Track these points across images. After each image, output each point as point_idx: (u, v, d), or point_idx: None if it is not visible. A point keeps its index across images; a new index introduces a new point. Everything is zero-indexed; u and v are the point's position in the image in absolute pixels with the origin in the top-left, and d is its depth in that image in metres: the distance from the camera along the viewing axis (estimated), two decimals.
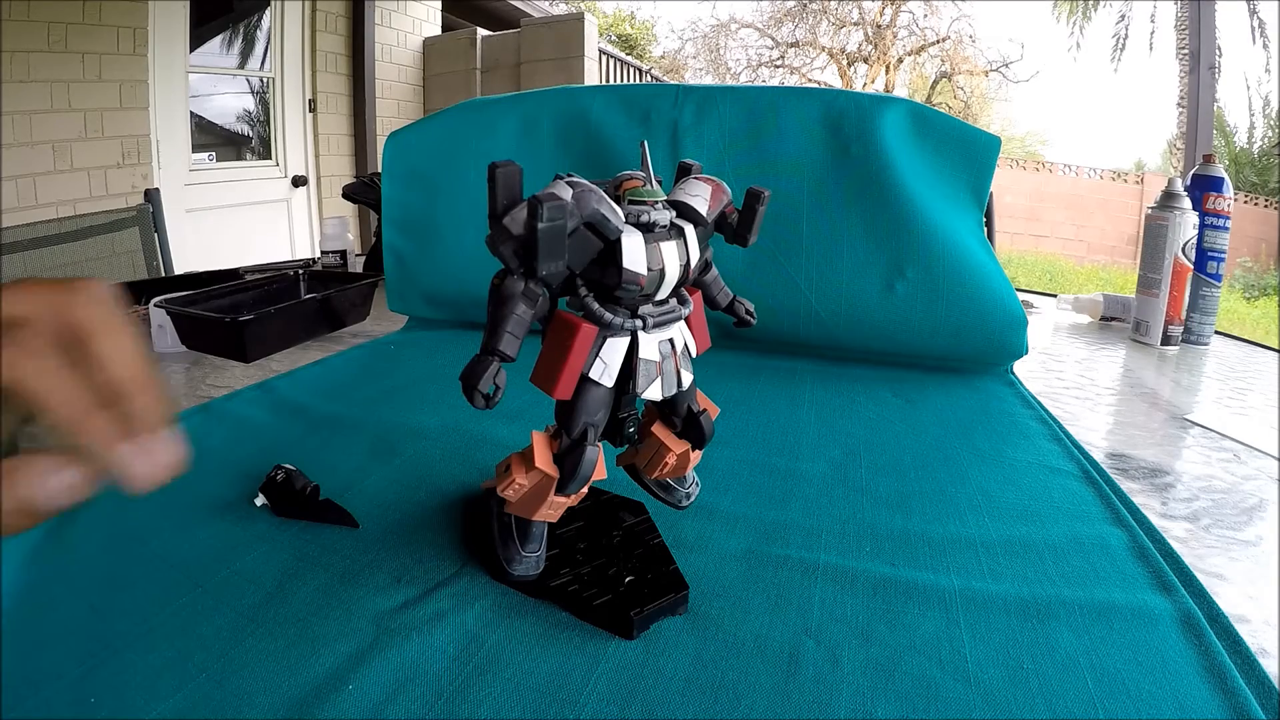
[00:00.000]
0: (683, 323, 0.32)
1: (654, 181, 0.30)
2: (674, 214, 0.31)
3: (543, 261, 0.26)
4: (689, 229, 0.31)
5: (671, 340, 0.31)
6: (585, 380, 0.30)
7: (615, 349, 0.30)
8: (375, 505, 0.40)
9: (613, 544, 0.35)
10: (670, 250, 0.29)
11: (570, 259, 0.28)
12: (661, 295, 0.30)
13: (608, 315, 0.29)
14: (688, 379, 0.32)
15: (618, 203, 0.30)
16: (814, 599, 0.32)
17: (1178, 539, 0.39)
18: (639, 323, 0.30)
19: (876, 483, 0.44)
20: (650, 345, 0.30)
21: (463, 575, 0.33)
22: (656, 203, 0.30)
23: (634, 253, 0.28)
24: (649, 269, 0.29)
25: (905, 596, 0.32)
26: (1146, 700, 0.26)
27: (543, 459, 0.30)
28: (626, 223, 0.29)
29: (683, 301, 0.32)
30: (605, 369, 0.30)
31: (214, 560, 0.34)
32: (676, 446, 0.34)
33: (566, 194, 0.27)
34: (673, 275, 0.30)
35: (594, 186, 0.28)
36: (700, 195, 0.31)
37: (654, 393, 0.31)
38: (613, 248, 0.28)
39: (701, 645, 0.29)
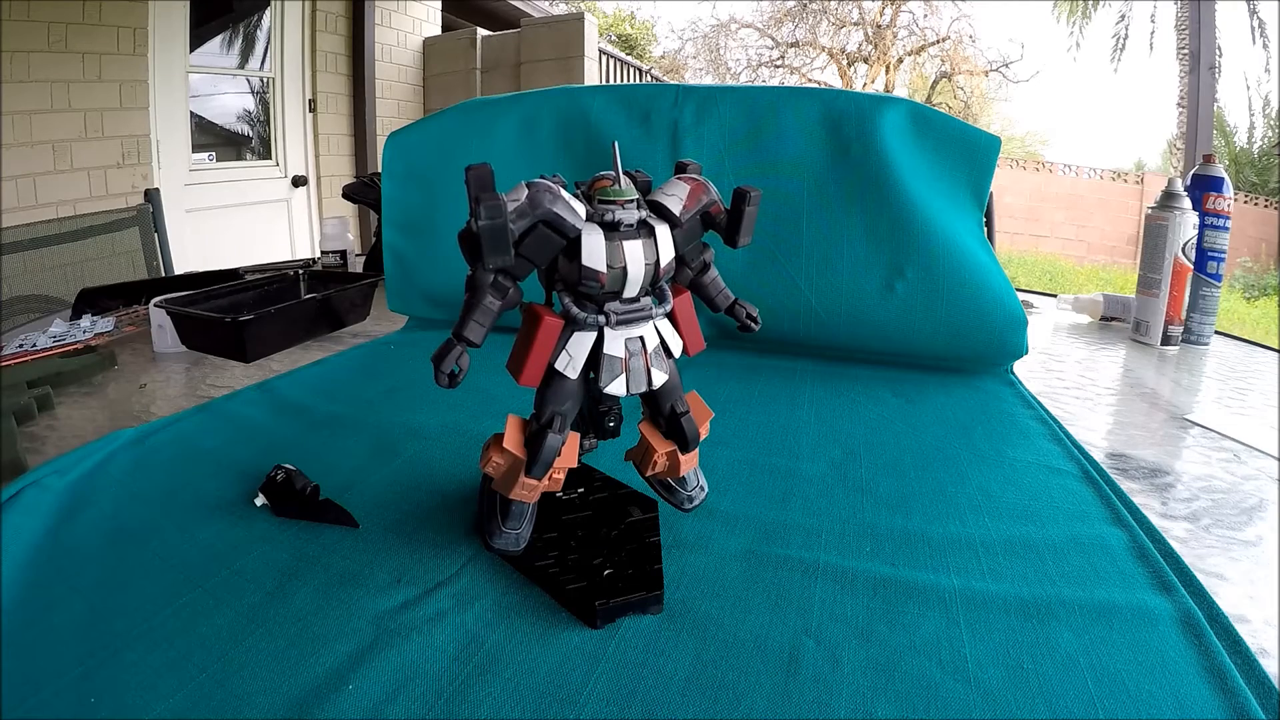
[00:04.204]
0: (661, 322, 0.33)
1: (622, 181, 0.31)
2: (645, 213, 0.31)
3: (487, 256, 0.27)
4: (661, 228, 0.31)
5: (642, 338, 0.32)
6: (553, 371, 0.31)
7: (581, 343, 0.31)
8: (375, 505, 0.40)
9: (609, 536, 0.35)
10: (634, 249, 0.30)
11: (532, 255, 0.29)
12: (629, 293, 0.31)
13: (574, 310, 0.30)
14: (660, 378, 0.32)
15: (590, 202, 0.30)
16: (814, 599, 0.32)
17: (1178, 539, 0.39)
18: (604, 318, 0.30)
19: (876, 483, 0.44)
20: (616, 342, 0.31)
21: (463, 575, 0.33)
22: (626, 202, 0.30)
23: (593, 250, 0.29)
24: (609, 266, 0.29)
25: (905, 596, 0.32)
26: (1146, 700, 0.26)
27: (512, 441, 0.31)
28: (591, 221, 0.30)
29: (661, 300, 0.32)
30: (570, 361, 0.31)
31: (214, 560, 0.34)
32: (662, 446, 0.34)
33: (522, 194, 0.28)
34: (637, 274, 0.30)
35: (553, 186, 0.29)
36: (676, 195, 0.32)
37: (618, 388, 0.31)
38: (575, 245, 0.29)
39: (701, 645, 0.29)
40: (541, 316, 0.30)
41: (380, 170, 0.82)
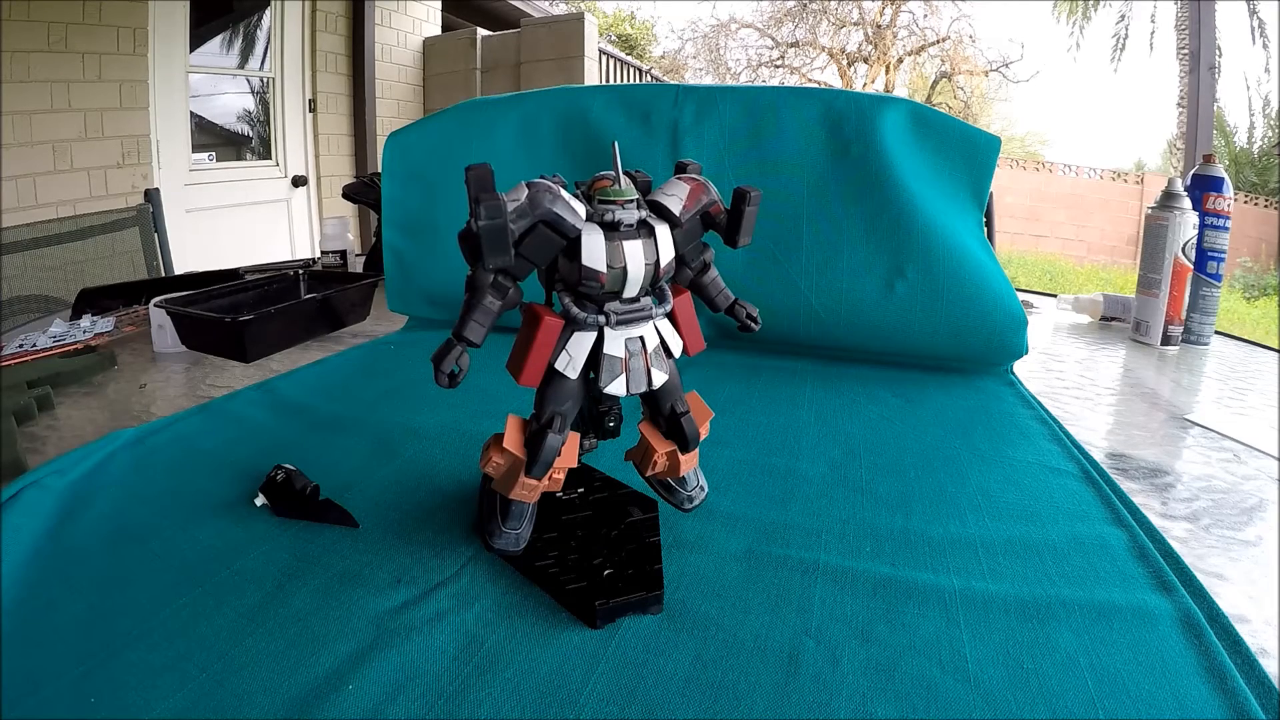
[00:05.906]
0: (661, 322, 0.33)
1: (622, 181, 0.31)
2: (645, 213, 0.31)
3: (487, 257, 0.28)
4: (661, 228, 0.31)
5: (642, 338, 0.32)
6: (553, 371, 0.31)
7: (581, 343, 0.31)
8: (375, 505, 0.40)
9: (609, 536, 0.35)
10: (634, 249, 0.30)
11: (532, 255, 0.29)
12: (629, 293, 0.31)
13: (574, 310, 0.30)
14: (660, 378, 0.32)
15: (590, 202, 0.30)
16: (814, 599, 0.32)
17: (1178, 539, 0.39)
18: (604, 318, 0.30)
19: (876, 483, 0.44)
20: (616, 342, 0.31)
21: (463, 575, 0.33)
22: (625, 202, 0.30)
23: (593, 250, 0.29)
24: (609, 266, 0.29)
25: (905, 596, 0.32)
26: (1146, 700, 0.26)
27: (512, 441, 0.31)
28: (591, 221, 0.30)
29: (661, 300, 0.32)
30: (570, 361, 0.31)
31: (214, 560, 0.34)
32: (662, 446, 0.34)
33: (522, 194, 0.28)
34: (637, 273, 0.30)
35: (553, 186, 0.29)
36: (676, 195, 0.32)
37: (618, 388, 0.31)
38: (575, 245, 0.29)
39: (701, 645, 0.29)
40: (541, 316, 0.30)
41: (380, 170, 0.82)
